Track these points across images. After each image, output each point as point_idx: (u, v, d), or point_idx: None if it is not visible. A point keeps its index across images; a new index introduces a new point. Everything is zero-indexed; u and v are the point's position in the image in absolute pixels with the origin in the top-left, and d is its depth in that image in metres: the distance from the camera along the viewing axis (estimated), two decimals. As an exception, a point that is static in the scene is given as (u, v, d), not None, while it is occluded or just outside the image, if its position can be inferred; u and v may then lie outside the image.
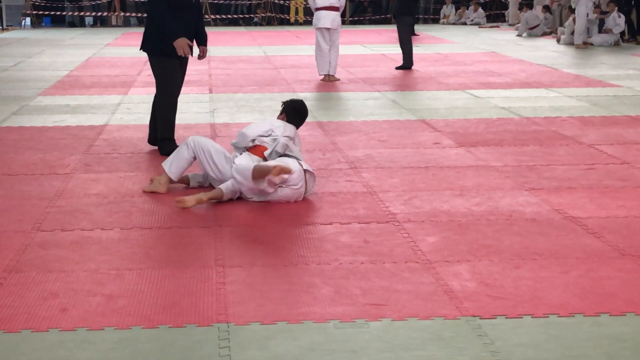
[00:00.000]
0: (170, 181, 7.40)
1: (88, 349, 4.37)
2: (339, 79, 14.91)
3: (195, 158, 7.38)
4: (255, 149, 7.32)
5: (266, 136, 7.38)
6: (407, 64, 16.57)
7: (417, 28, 26.42)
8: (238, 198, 7.13)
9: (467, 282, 5.28)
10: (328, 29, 14.75)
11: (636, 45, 22.11)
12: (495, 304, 4.92)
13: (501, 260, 5.67)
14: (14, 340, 4.47)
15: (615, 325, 4.64)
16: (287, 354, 4.30)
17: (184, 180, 7.55)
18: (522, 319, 4.72)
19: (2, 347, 4.40)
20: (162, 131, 8.89)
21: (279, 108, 11.87)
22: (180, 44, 8.54)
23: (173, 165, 7.38)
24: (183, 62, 8.89)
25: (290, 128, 7.53)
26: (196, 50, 8.98)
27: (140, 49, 8.97)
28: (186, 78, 15.29)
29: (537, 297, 5.02)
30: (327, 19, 14.67)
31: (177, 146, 7.69)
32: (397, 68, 16.67)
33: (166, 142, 8.82)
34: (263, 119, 7.75)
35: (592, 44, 21.87)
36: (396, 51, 20.43)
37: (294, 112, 7.71)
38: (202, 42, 8.99)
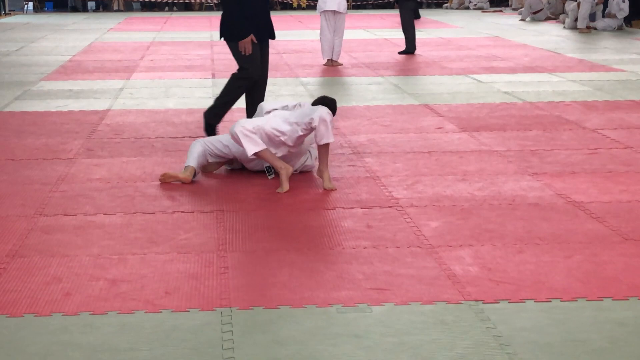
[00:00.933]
0: (194, 173, 7.32)
1: (91, 333, 4.37)
2: (341, 64, 14.86)
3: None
4: None
5: (280, 109, 7.42)
6: (409, 48, 16.54)
7: (421, 12, 26.34)
8: (240, 178, 7.13)
9: (469, 266, 5.28)
10: (334, 12, 14.67)
11: (640, 30, 22.05)
12: (498, 289, 4.92)
13: (504, 245, 5.67)
14: (18, 325, 4.48)
15: (618, 310, 4.64)
16: (290, 338, 4.31)
17: (208, 168, 7.54)
18: (524, 304, 4.72)
19: (5, 332, 4.41)
20: (213, 109, 8.83)
21: (282, 93, 11.93)
22: (245, 42, 8.53)
23: (190, 158, 7.31)
24: (264, 48, 8.80)
25: (310, 109, 7.24)
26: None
27: (220, 37, 8.86)
28: (188, 63, 15.39)
29: (539, 282, 5.02)
30: (334, 1, 14.58)
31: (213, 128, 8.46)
32: (400, 53, 16.64)
33: (216, 115, 8.82)
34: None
35: (595, 29, 21.81)
36: (399, 36, 20.37)
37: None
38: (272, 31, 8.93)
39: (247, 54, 8.56)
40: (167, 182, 7.20)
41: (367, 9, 32.79)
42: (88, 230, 6.02)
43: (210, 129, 8.74)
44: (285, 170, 6.97)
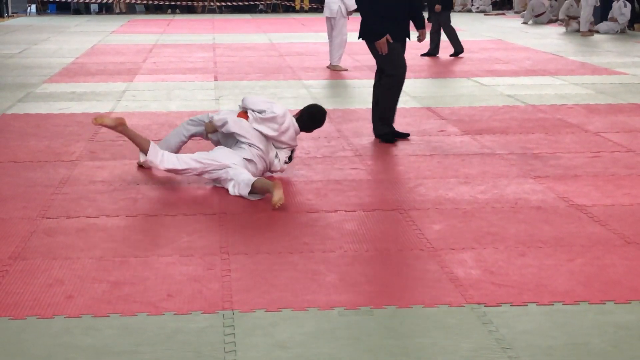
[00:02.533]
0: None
1: (93, 335, 4.38)
2: (344, 69, 14.74)
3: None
4: (243, 114, 7.37)
5: (255, 111, 7.35)
6: (458, 49, 16.62)
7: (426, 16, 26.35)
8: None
9: (472, 269, 5.28)
10: (329, 18, 14.66)
11: (642, 33, 22.04)
12: (500, 292, 4.92)
13: (506, 248, 5.67)
14: (20, 327, 4.49)
15: (620, 313, 4.64)
16: (292, 340, 4.31)
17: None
18: (527, 307, 4.72)
19: (8, 334, 4.41)
20: (383, 112, 8.94)
21: (284, 95, 11.93)
22: (380, 43, 8.62)
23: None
24: (403, 45, 8.88)
25: (280, 125, 7.31)
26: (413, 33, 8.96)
27: (359, 38, 8.96)
28: (191, 65, 15.41)
29: (542, 285, 5.02)
30: (327, 8, 14.62)
31: (392, 131, 8.83)
32: (451, 55, 16.67)
33: (384, 122, 8.92)
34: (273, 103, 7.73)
35: (598, 32, 21.81)
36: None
37: (308, 115, 7.58)
38: (420, 25, 8.93)
39: (384, 54, 8.66)
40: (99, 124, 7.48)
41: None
42: (90, 233, 6.02)
43: (392, 135, 8.87)
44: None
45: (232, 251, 5.63)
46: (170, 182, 7.33)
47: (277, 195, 6.50)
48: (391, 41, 8.65)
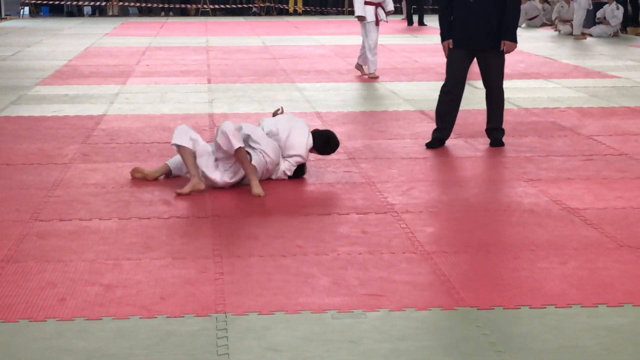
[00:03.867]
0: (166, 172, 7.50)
1: (86, 338, 4.37)
2: (372, 77, 13.88)
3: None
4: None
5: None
6: None
7: (425, 19, 26.39)
8: (237, 186, 7.13)
9: (464, 272, 5.28)
10: (361, 22, 14.01)
11: (635, 37, 22.08)
12: (493, 295, 4.93)
13: (499, 251, 5.68)
14: (12, 330, 4.48)
15: (612, 316, 4.65)
16: (285, 344, 4.31)
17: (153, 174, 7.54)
18: (519, 310, 4.73)
19: (0, 337, 4.40)
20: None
21: (277, 98, 11.93)
22: (442, 47, 8.57)
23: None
24: (485, 55, 8.54)
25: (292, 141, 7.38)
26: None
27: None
28: (184, 68, 15.40)
29: (534, 288, 5.02)
30: (358, 9, 13.91)
31: (438, 137, 8.65)
32: None
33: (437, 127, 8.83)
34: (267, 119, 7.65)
35: (591, 35, 21.84)
36: (395, 42, 20.43)
37: (321, 138, 7.54)
38: (504, 35, 8.44)
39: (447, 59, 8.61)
40: (137, 178, 7.41)
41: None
42: (83, 236, 6.02)
43: (436, 141, 8.73)
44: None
45: (225, 254, 5.62)
46: (163, 185, 7.32)
47: (255, 190, 6.90)
48: (450, 47, 8.52)
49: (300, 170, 7.45)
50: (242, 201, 6.88)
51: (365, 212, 6.55)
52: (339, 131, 9.56)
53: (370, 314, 4.67)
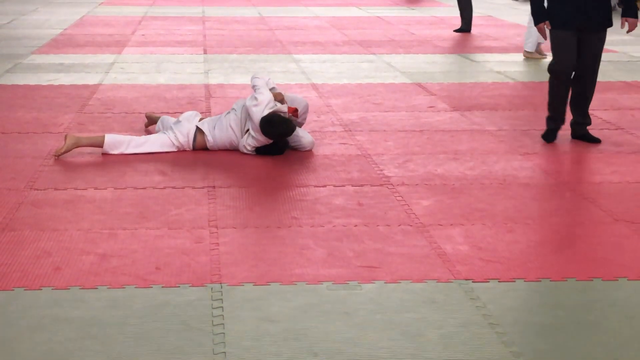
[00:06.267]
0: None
1: (81, 307, 4.38)
2: (540, 56, 13.19)
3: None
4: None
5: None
6: (465, 27, 16.51)
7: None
8: (231, 154, 7.12)
9: (460, 245, 5.29)
10: None
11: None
12: (488, 268, 4.94)
13: (494, 224, 5.68)
14: (7, 298, 4.48)
15: (607, 290, 4.66)
16: (280, 314, 4.31)
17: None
18: (514, 283, 4.74)
19: (-5, 305, 4.41)
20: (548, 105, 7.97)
21: (273, 70, 11.89)
22: (539, 29, 7.74)
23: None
24: (591, 37, 7.72)
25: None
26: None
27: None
28: (180, 38, 15.34)
29: (529, 261, 5.03)
30: None
31: (551, 128, 7.75)
32: (455, 31, 16.55)
33: (548, 117, 7.95)
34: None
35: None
36: (392, 14, 20.38)
37: (266, 120, 7.21)
38: (626, 12, 7.87)
39: (550, 42, 7.77)
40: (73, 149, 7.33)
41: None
42: (78, 205, 6.01)
43: (550, 133, 7.88)
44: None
45: (221, 225, 5.62)
46: (159, 155, 7.31)
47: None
48: (549, 28, 7.69)
49: (276, 148, 7.37)
50: (238, 172, 6.88)
51: (361, 185, 6.55)
52: (334, 103, 9.55)
53: (365, 285, 4.68)
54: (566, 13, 7.65)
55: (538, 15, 7.72)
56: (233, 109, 7.48)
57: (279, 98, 7.43)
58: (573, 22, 7.65)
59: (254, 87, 7.37)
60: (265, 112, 7.18)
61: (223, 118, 7.46)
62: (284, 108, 7.38)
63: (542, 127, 8.44)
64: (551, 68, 7.79)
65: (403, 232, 5.52)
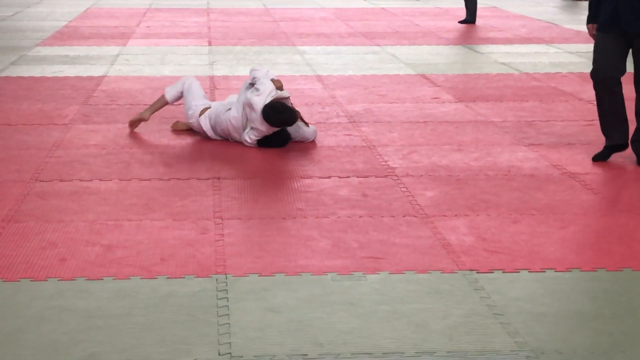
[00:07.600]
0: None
1: (86, 298, 4.39)
2: None
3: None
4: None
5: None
6: (470, 18, 16.50)
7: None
8: (237, 146, 7.13)
9: (464, 236, 5.29)
10: None
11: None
12: (493, 259, 4.94)
13: (499, 215, 5.68)
14: (13, 289, 4.49)
15: (611, 281, 4.66)
16: (285, 305, 4.32)
17: (178, 126, 8.07)
18: (519, 274, 4.74)
19: (1, 296, 4.42)
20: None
21: (278, 61, 11.89)
22: (588, 29, 6.99)
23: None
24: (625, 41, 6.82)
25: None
26: None
27: None
28: (185, 30, 15.34)
29: (534, 252, 5.04)
30: None
31: (606, 145, 6.98)
32: (460, 22, 16.57)
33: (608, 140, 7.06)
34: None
35: None
36: (396, 5, 20.37)
37: (271, 109, 7.20)
38: None
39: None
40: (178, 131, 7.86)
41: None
42: (84, 196, 6.02)
43: (604, 153, 7.03)
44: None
45: (226, 216, 5.63)
46: (164, 146, 7.32)
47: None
48: (594, 32, 6.96)
49: (278, 139, 7.38)
50: (243, 163, 6.89)
51: (366, 176, 6.55)
52: (339, 94, 9.55)
53: (370, 276, 4.69)
54: (606, 14, 6.84)
55: (588, 16, 7.04)
56: (231, 108, 7.41)
57: (277, 85, 7.41)
58: (611, 23, 6.81)
59: (254, 79, 7.36)
60: (268, 100, 7.19)
61: (222, 115, 7.42)
62: (285, 94, 7.37)
63: (546, 117, 8.44)
64: (591, 75, 6.99)
65: (408, 223, 5.52)
